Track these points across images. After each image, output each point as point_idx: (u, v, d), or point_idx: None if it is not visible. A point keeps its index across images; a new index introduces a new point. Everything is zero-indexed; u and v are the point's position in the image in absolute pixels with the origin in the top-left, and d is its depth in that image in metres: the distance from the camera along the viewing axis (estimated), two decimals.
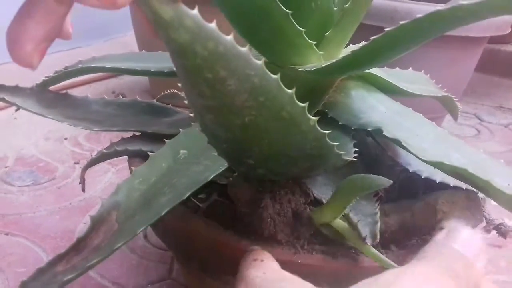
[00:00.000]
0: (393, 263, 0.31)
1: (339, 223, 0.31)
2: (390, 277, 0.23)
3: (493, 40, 1.31)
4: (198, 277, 0.41)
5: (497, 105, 1.20)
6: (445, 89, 0.54)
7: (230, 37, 0.21)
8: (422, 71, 0.55)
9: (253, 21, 0.36)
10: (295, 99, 0.25)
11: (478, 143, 0.99)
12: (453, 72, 0.80)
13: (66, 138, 0.83)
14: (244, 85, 0.23)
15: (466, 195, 0.36)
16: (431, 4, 0.74)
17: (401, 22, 0.27)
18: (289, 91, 0.25)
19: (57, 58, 1.14)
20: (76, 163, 0.76)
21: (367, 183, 0.29)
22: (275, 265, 0.28)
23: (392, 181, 0.29)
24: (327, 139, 0.28)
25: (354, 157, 0.36)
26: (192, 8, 0.20)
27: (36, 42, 0.21)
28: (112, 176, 0.72)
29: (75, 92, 1.04)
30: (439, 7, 0.27)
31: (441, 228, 0.33)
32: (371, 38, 0.29)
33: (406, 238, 0.37)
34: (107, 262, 0.28)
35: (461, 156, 0.34)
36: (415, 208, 0.38)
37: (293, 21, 0.34)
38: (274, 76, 0.24)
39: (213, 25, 0.20)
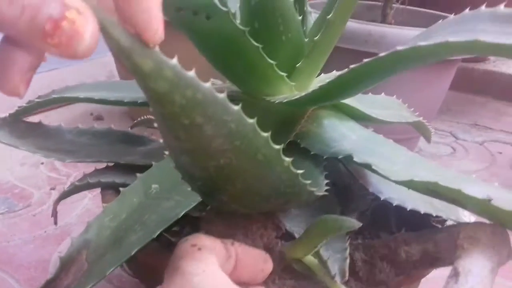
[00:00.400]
0: None
1: (310, 259, 0.32)
2: None
3: (467, 59, 1.35)
4: None
5: (472, 123, 1.23)
6: (419, 112, 0.55)
7: (208, 84, 0.21)
8: (395, 95, 0.56)
9: (225, 55, 0.36)
10: (271, 142, 0.26)
11: (453, 161, 1.01)
12: (428, 93, 0.82)
13: (42, 163, 0.82)
14: (220, 130, 0.23)
15: (492, 229, 0.33)
16: (405, 28, 0.76)
17: (364, 60, 0.27)
18: (265, 134, 0.25)
19: (35, 80, 1.13)
20: (52, 189, 0.75)
21: (338, 225, 0.30)
22: (213, 259, 0.26)
23: (361, 224, 0.29)
24: (301, 178, 0.28)
25: (326, 188, 0.36)
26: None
27: (22, 73, 0.21)
28: (89, 202, 0.71)
29: (52, 113, 1.04)
30: (415, 34, 0.28)
31: (456, 270, 0.30)
32: (338, 73, 0.30)
33: (430, 267, 0.36)
34: None
35: (432, 175, 0.35)
36: (438, 238, 0.36)
37: (264, 54, 0.35)
38: (251, 121, 0.24)
39: (192, 73, 0.21)
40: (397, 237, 0.37)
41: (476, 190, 0.32)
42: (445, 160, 1.01)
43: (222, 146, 0.24)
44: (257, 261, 0.30)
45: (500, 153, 1.06)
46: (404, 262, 0.36)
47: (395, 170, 0.35)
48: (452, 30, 0.25)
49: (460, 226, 0.35)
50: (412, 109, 0.55)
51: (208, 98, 0.21)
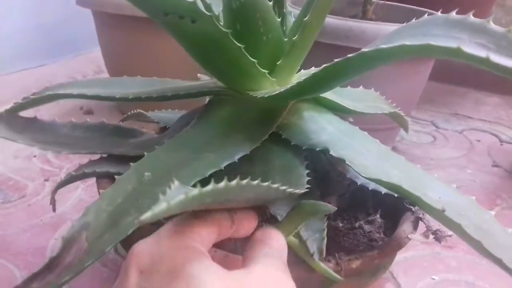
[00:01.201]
0: (337, 275, 0.35)
1: (291, 239, 0.35)
2: (238, 277, 0.27)
3: None
4: None
5: (452, 112, 1.27)
6: (398, 103, 0.58)
7: None
8: (373, 88, 0.59)
9: (210, 55, 0.39)
10: None
11: (434, 149, 1.04)
12: (406, 86, 0.85)
13: (35, 156, 0.84)
14: None
15: None
16: (384, 23, 0.79)
17: (335, 60, 0.31)
18: None
19: (26, 76, 1.15)
20: (46, 180, 0.77)
21: (315, 209, 0.33)
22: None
23: (335, 208, 0.33)
24: (288, 190, 0.32)
25: (307, 173, 0.39)
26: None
27: None
28: (82, 192, 0.74)
29: (43, 108, 1.06)
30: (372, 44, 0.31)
31: None
32: (313, 71, 0.33)
33: None
34: (79, 276, 0.31)
35: (398, 172, 0.39)
36: None
37: (246, 53, 0.38)
38: None
39: None
40: None
41: (434, 197, 0.36)
42: (426, 148, 1.05)
43: None
44: (252, 222, 0.33)
45: (479, 141, 1.10)
46: None
47: (367, 166, 0.39)
48: (412, 33, 0.28)
49: None
50: (390, 100, 0.59)
51: None
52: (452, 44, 0.24)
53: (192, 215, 0.30)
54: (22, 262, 0.58)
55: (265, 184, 0.28)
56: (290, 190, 0.32)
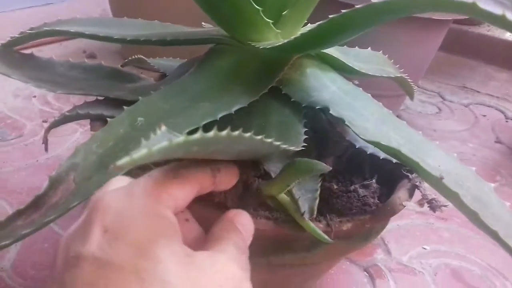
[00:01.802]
0: (326, 237, 0.35)
1: (283, 197, 0.34)
2: (201, 267, 0.25)
3: (461, 21, 1.34)
4: None
5: (460, 85, 1.24)
6: (406, 70, 0.57)
7: None
8: (381, 51, 0.57)
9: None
10: None
11: (438, 121, 1.03)
12: (417, 52, 0.83)
13: (35, 96, 0.83)
14: None
15: None
16: None
17: (343, 11, 0.29)
18: None
19: (28, 14, 1.13)
20: (44, 121, 0.77)
21: (309, 168, 0.32)
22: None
23: (330, 168, 0.32)
24: (283, 146, 0.31)
25: (305, 132, 0.38)
26: None
27: None
28: (80, 136, 0.74)
29: (46, 49, 1.04)
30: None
31: None
32: (318, 23, 0.32)
33: None
34: (69, 218, 0.31)
35: (399, 137, 0.38)
36: None
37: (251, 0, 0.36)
38: None
39: None
40: None
41: (433, 165, 0.35)
42: (430, 119, 1.03)
43: None
44: (233, 177, 0.32)
45: (484, 116, 1.09)
46: None
47: (367, 128, 0.37)
48: None
49: None
50: (398, 65, 0.57)
51: None
52: None
53: (171, 171, 0.28)
54: (16, 200, 0.58)
55: (258, 137, 0.26)
56: (284, 146, 0.31)
